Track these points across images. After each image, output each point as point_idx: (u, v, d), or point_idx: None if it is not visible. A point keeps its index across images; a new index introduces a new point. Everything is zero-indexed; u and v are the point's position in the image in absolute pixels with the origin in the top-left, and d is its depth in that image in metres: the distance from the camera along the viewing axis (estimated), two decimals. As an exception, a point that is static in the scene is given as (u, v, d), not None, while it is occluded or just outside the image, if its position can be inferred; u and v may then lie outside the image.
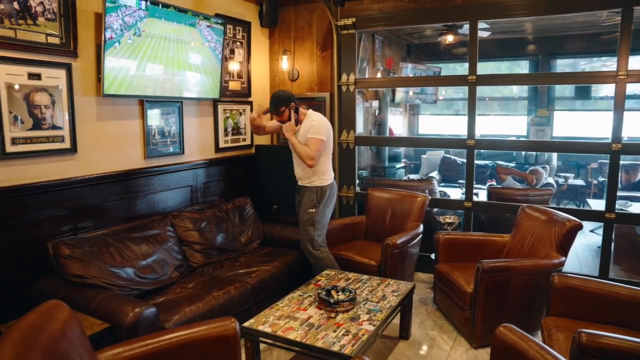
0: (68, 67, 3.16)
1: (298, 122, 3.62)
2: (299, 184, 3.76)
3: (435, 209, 4.85)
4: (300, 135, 3.61)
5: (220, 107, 4.57)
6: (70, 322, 1.74)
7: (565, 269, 3.26)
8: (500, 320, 2.85)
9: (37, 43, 2.96)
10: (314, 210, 3.62)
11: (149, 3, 3.45)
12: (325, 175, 3.68)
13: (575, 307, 2.76)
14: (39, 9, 2.95)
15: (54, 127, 3.12)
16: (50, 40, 3.04)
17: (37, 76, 2.99)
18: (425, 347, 3.29)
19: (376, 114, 6.41)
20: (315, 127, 3.54)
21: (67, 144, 3.20)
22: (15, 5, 2.82)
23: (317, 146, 3.50)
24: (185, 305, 2.95)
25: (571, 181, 6.92)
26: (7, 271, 2.91)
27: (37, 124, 3.02)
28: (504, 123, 8.29)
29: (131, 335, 2.41)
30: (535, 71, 7.44)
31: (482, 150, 5.70)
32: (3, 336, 1.45)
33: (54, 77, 3.09)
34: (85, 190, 3.33)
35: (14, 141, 2.90)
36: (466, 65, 4.24)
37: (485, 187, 5.78)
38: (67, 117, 3.18)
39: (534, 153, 7.40)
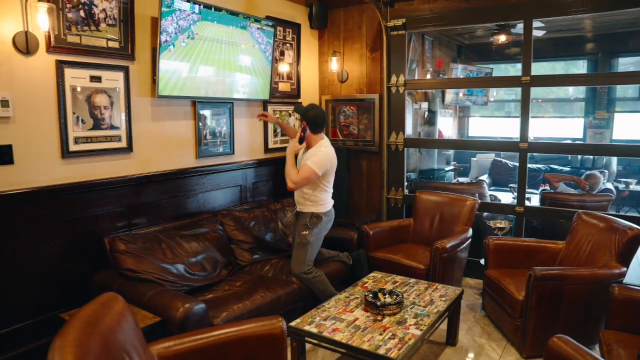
0: (126, 70, 3.29)
1: (303, 140, 3.48)
2: (297, 208, 3.66)
3: (485, 213, 4.72)
4: (301, 155, 3.52)
5: (270, 108, 4.63)
6: (125, 314, 1.81)
7: (627, 280, 3.09)
8: (553, 330, 2.73)
9: (99, 47, 3.11)
10: (307, 232, 3.49)
11: (202, 7, 3.54)
12: (324, 204, 3.56)
13: (639, 321, 2.60)
14: (102, 15, 3.09)
15: (112, 127, 3.26)
16: (111, 44, 3.18)
17: (98, 79, 3.14)
18: (472, 355, 3.21)
19: (425, 116, 6.31)
20: (318, 157, 3.38)
21: (123, 143, 3.34)
22: (82, 13, 2.98)
23: (306, 175, 3.34)
24: (233, 302, 3.00)
25: (633, 187, 6.54)
26: (69, 263, 3.07)
27: (97, 124, 3.17)
28: (559, 125, 7.96)
29: (181, 329, 2.48)
30: (594, 71, 7.10)
31: (534, 154, 5.50)
32: (66, 324, 1.53)
33: (113, 80, 3.23)
34: (139, 188, 3.46)
35: (76, 140, 3.06)
36: (518, 65, 4.11)
37: (537, 191, 5.57)
38: (124, 118, 3.32)
39: (591, 157, 7.06)
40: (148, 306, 2.69)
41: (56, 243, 3.00)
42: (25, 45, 2.75)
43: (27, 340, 2.90)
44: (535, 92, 4.32)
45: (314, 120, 3.44)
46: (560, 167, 7.05)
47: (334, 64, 5.05)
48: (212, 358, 2.06)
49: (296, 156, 3.57)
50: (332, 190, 3.65)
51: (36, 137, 2.88)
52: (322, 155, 3.40)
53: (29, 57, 2.80)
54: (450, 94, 7.07)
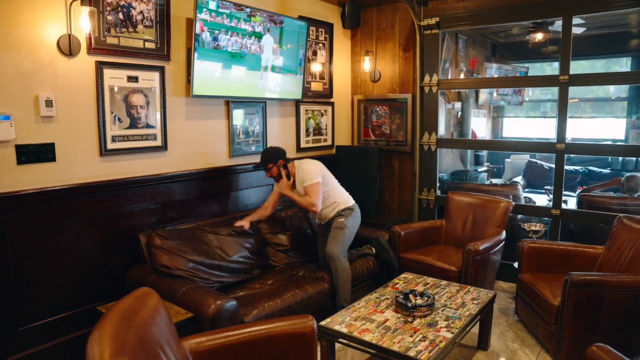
0: (161, 70, 3.36)
1: (290, 176, 3.66)
2: (326, 221, 3.79)
3: (519, 216, 4.62)
4: (297, 187, 3.67)
5: (302, 108, 4.65)
6: (159, 308, 1.86)
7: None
8: (592, 338, 2.64)
9: (136, 48, 3.19)
10: (343, 219, 3.65)
11: (234, 8, 3.58)
12: (342, 199, 3.76)
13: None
14: (139, 17, 3.17)
15: (148, 126, 3.34)
16: (147, 45, 3.25)
17: (135, 79, 3.22)
18: (505, 360, 3.15)
19: (458, 116, 6.22)
20: (306, 174, 3.60)
21: (158, 142, 3.42)
22: (120, 15, 3.06)
23: (316, 191, 3.55)
24: (264, 300, 3.03)
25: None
26: (105, 257, 3.16)
27: (134, 123, 3.25)
28: (598, 126, 7.69)
29: (212, 325, 2.52)
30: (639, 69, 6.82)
31: (571, 155, 5.32)
32: (104, 316, 1.58)
33: (149, 80, 3.31)
34: (173, 185, 3.53)
35: (114, 139, 3.15)
36: (555, 64, 4.00)
37: (574, 194, 5.40)
38: (159, 117, 3.39)
39: (634, 159, 6.80)
40: (181, 302, 2.75)
41: (94, 238, 3.10)
42: (68, 47, 2.85)
43: (67, 330, 3.01)
44: (573, 91, 4.17)
45: (278, 154, 3.64)
46: (599, 169, 6.82)
47: (366, 64, 5.04)
48: (242, 355, 2.08)
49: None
50: (342, 188, 3.84)
51: (76, 135, 2.98)
52: (307, 169, 3.62)
53: (71, 58, 2.90)
54: (484, 94, 6.94)
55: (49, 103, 2.80)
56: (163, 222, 3.47)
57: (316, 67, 4.76)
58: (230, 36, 3.59)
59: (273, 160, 3.61)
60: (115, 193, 3.19)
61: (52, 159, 2.87)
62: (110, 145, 3.13)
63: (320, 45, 4.80)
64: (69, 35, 2.85)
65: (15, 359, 2.79)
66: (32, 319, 2.86)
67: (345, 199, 3.78)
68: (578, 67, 7.20)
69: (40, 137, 2.81)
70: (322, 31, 4.79)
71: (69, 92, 2.91)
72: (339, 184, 3.85)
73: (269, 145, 3.80)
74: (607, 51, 7.07)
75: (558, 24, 4.04)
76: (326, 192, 3.67)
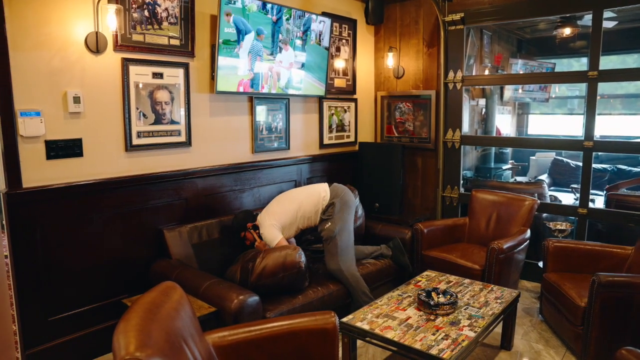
0: (186, 67, 3.40)
1: (261, 237, 3.37)
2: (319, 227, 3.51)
3: (544, 214, 4.53)
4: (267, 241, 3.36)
5: (325, 104, 4.65)
6: (183, 302, 1.88)
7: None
8: (621, 341, 2.58)
9: (161, 45, 3.23)
10: (329, 225, 3.40)
11: (260, 5, 3.59)
12: (317, 200, 3.49)
13: None
14: (164, 14, 3.21)
15: (172, 122, 3.38)
16: (172, 42, 3.29)
17: (160, 75, 3.26)
18: (529, 361, 3.10)
19: (483, 113, 6.13)
20: (266, 239, 3.28)
21: (183, 138, 3.45)
22: (146, 12, 3.10)
23: (273, 235, 3.26)
24: (286, 296, 3.04)
25: None
26: (130, 251, 3.22)
27: (158, 119, 3.29)
28: (628, 123, 7.48)
29: (235, 320, 2.54)
30: (672, 64, 6.61)
31: (599, 153, 5.17)
32: (129, 309, 1.61)
33: (174, 76, 3.34)
34: (197, 181, 3.57)
35: (139, 134, 3.20)
36: (583, 60, 3.89)
37: (602, 193, 5.27)
38: (183, 113, 3.43)
39: (665, 157, 6.60)
40: (204, 296, 2.77)
41: (119, 232, 3.15)
42: (95, 44, 2.90)
43: (94, 321, 3.08)
44: (602, 87, 4.07)
45: (243, 219, 3.43)
46: (630, 168, 6.64)
47: (390, 60, 5.00)
48: (264, 350, 2.09)
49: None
50: (311, 187, 3.60)
51: (103, 131, 3.03)
52: (265, 235, 3.30)
53: (98, 55, 2.95)
54: (508, 90, 6.82)
55: (76, 99, 2.86)
56: (188, 217, 3.51)
57: (339, 64, 4.75)
58: (254, 32, 3.60)
59: (242, 228, 3.42)
60: (140, 188, 3.24)
61: (80, 154, 2.93)
62: (136, 141, 3.18)
63: (344, 41, 4.78)
64: (96, 33, 2.90)
65: (46, 347, 2.87)
66: (61, 310, 2.94)
67: (317, 198, 3.49)
68: (608, 62, 7.00)
69: (68, 133, 2.87)
70: (345, 27, 4.77)
71: (95, 88, 2.97)
72: (306, 188, 3.62)
73: (233, 216, 3.54)
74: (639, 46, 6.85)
75: (587, 18, 3.93)
76: (297, 210, 3.45)
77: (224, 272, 3.19)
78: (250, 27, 3.57)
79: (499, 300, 2.98)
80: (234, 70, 3.56)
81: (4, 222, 2.68)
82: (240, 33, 3.50)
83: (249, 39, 3.58)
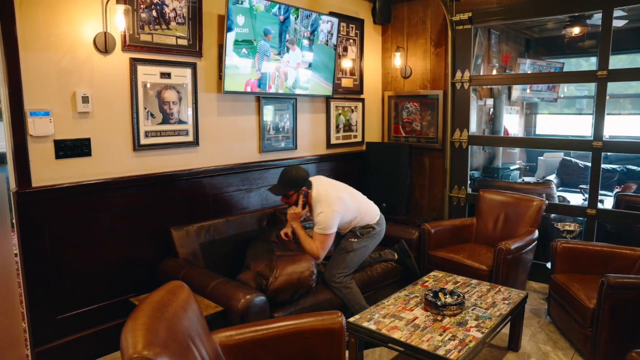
0: (193, 67, 3.41)
1: (306, 205, 3.20)
2: (343, 233, 3.43)
3: (552, 215, 4.50)
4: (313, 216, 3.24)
5: (333, 104, 4.65)
6: (190, 302, 1.89)
7: None
8: (631, 344, 2.55)
9: (169, 45, 3.24)
10: (355, 239, 3.32)
11: (267, 4, 3.59)
12: (365, 216, 3.38)
13: None
14: (172, 14, 3.22)
15: (180, 122, 3.39)
16: (180, 42, 3.30)
17: (168, 75, 3.27)
18: (537, 362, 3.08)
19: (490, 113, 6.10)
20: (322, 221, 3.11)
21: (190, 137, 3.47)
22: (154, 13, 3.12)
23: (324, 244, 3.10)
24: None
25: None
26: (137, 250, 3.24)
27: (166, 119, 3.30)
28: (638, 123, 7.41)
29: (242, 320, 2.54)
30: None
31: (609, 153, 5.12)
32: (137, 308, 1.62)
33: (181, 76, 3.36)
34: (204, 180, 3.58)
35: (147, 134, 3.21)
36: (592, 59, 3.86)
37: (611, 193, 5.23)
38: (190, 113, 3.44)
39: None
40: (211, 295, 2.78)
41: (127, 231, 3.17)
42: (104, 45, 2.92)
43: (102, 320, 3.10)
44: (612, 87, 4.03)
45: (302, 179, 3.16)
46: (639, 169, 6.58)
47: (397, 60, 4.99)
48: (271, 349, 2.10)
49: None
50: (369, 204, 3.49)
51: (111, 130, 3.05)
52: (324, 216, 3.12)
53: (106, 55, 2.97)
54: (516, 90, 6.78)
55: (85, 99, 2.88)
56: (195, 216, 3.52)
57: (347, 64, 4.75)
58: (262, 32, 3.61)
59: (297, 186, 3.15)
60: (148, 187, 3.25)
61: (88, 153, 2.95)
62: (143, 141, 3.20)
63: (351, 41, 4.77)
64: (105, 33, 2.92)
65: (55, 345, 2.89)
66: (70, 308, 2.96)
67: (370, 217, 3.43)
68: (617, 61, 6.93)
69: (76, 133, 2.89)
70: (352, 27, 4.77)
71: (104, 88, 2.98)
72: (365, 199, 3.52)
73: (289, 167, 3.27)
74: (651, 45, 6.76)
75: (597, 17, 3.90)
76: (356, 217, 3.37)
77: (232, 275, 3.18)
78: (258, 27, 3.56)
79: (506, 301, 2.97)
80: (242, 70, 3.56)
81: (13, 220, 2.70)
82: (249, 33, 3.51)
83: (257, 38, 3.58)
